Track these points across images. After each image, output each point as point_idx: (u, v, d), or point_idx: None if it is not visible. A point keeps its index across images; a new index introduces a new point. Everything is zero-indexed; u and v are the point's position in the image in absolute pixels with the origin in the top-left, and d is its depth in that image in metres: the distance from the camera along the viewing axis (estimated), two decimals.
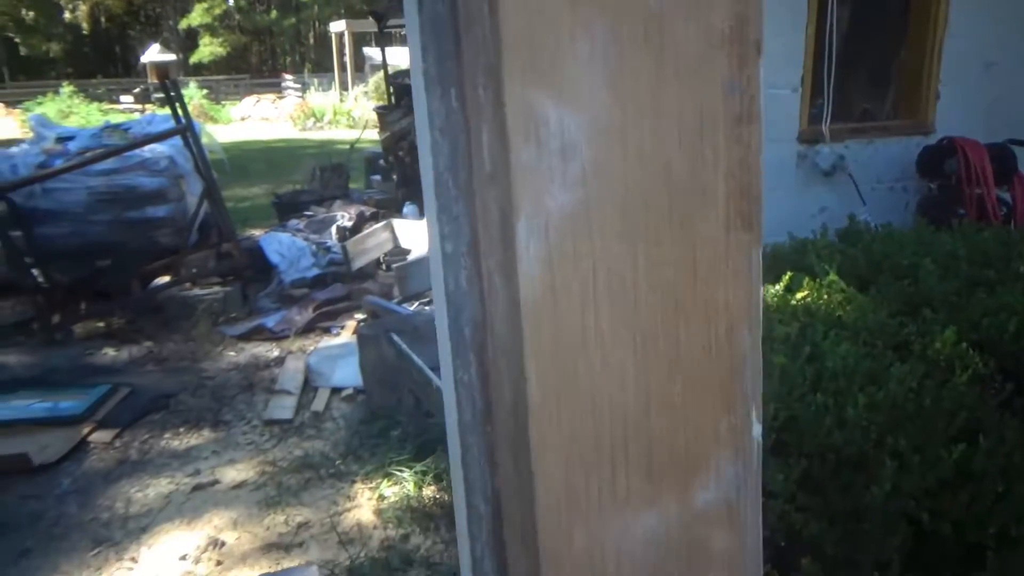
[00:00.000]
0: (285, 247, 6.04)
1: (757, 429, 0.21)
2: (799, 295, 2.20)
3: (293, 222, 6.93)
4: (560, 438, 0.19)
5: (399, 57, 12.15)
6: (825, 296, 2.19)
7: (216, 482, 3.29)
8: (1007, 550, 1.66)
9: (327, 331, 5.02)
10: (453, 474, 0.23)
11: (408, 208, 6.83)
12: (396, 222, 6.27)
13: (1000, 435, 1.67)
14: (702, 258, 0.19)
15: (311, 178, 8.16)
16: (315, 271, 5.81)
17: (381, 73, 18.20)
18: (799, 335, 1.93)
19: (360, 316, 5.07)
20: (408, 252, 6.03)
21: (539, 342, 0.18)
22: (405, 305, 5.13)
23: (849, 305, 2.13)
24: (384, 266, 5.99)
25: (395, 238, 6.16)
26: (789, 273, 2.32)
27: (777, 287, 2.25)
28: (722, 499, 0.21)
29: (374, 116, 12.84)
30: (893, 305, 2.14)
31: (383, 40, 8.32)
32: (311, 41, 35.67)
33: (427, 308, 5.03)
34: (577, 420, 0.19)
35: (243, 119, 20.28)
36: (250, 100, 21.47)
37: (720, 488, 0.21)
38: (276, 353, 4.72)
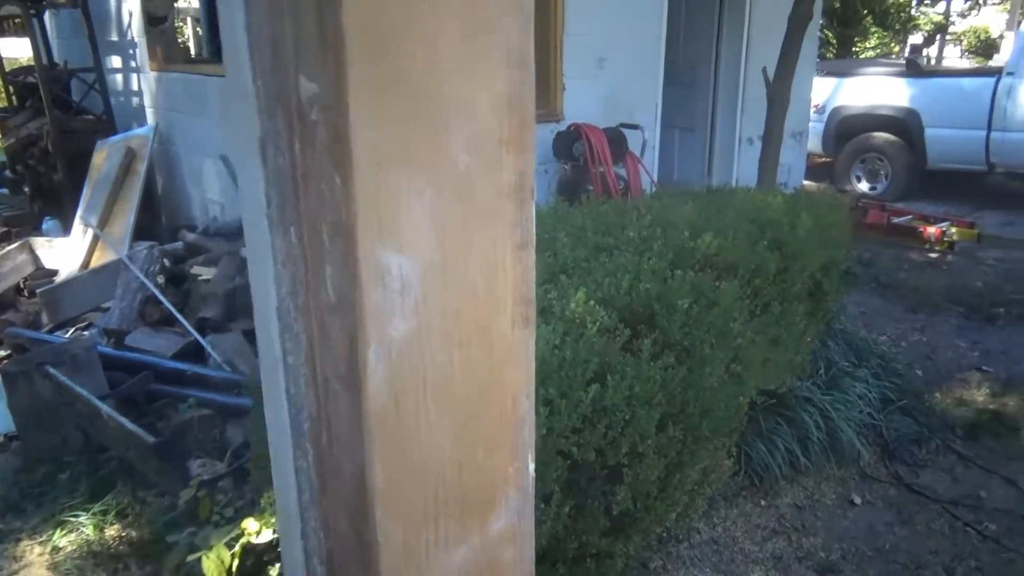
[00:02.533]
0: None
1: (531, 467, 0.27)
2: None
3: None
4: (398, 510, 0.23)
5: (13, 49, 10.45)
6: None
7: None
8: (637, 464, 2.04)
9: None
10: (285, 544, 0.24)
11: (48, 224, 6.03)
12: (35, 241, 5.51)
13: (623, 373, 2.03)
14: (497, 351, 0.23)
15: None
16: None
17: None
18: None
19: (2, 353, 4.41)
20: (55, 273, 5.34)
21: (383, 439, 0.21)
22: (58, 333, 4.57)
23: None
24: (27, 292, 5.25)
25: (36, 259, 5.42)
26: None
27: None
28: (510, 523, 0.26)
29: None
30: (538, 275, 2.46)
31: None
32: None
33: (84, 334, 4.53)
34: (411, 493, 0.23)
35: None
36: None
37: (509, 515, 0.26)
38: None
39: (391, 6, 0.19)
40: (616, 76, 5.47)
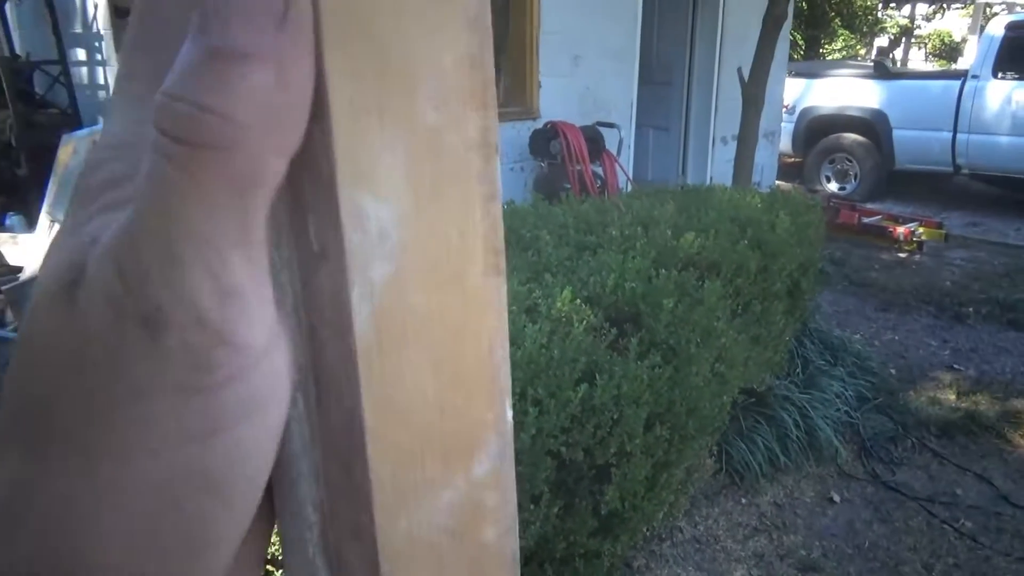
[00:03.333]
0: None
1: (510, 413, 0.29)
2: None
3: None
4: (387, 449, 0.25)
5: None
6: None
7: None
8: (625, 463, 2.03)
9: None
10: (277, 494, 0.27)
11: (11, 219, 5.87)
12: None
13: (611, 372, 2.02)
14: (471, 298, 0.25)
15: None
16: None
17: None
18: None
19: None
20: (19, 270, 5.20)
21: (370, 380, 0.24)
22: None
23: None
24: None
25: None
26: None
27: None
28: (492, 468, 0.28)
29: None
30: (523, 274, 2.44)
31: None
32: None
33: None
34: (397, 433, 0.25)
35: None
36: None
37: (491, 460, 0.28)
38: None
39: None
40: (591, 75, 5.47)
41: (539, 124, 5.09)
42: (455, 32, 0.25)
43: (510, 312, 2.29)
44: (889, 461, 3.29)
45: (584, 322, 2.14)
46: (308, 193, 0.23)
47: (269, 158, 0.21)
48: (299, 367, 0.25)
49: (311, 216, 0.23)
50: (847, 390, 3.57)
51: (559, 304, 2.17)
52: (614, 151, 5.17)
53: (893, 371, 4.09)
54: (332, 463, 0.26)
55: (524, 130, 5.08)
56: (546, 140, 4.84)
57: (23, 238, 5.50)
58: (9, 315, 4.65)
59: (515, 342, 1.97)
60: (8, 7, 6.78)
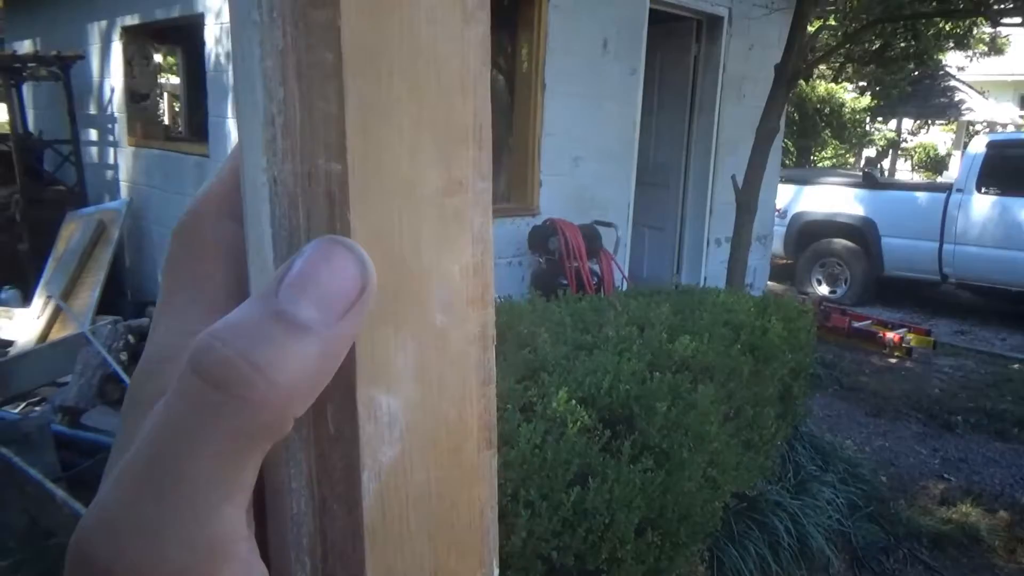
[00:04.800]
0: None
1: (496, 572, 0.33)
2: None
3: None
4: None
5: None
6: None
7: None
8: (615, 569, 2.01)
9: None
10: None
11: (7, 293, 5.90)
12: None
13: (604, 475, 2.02)
14: (466, 471, 0.28)
15: None
16: None
17: None
18: None
19: None
20: (9, 345, 5.19)
21: (374, 550, 0.26)
22: (7, 409, 4.40)
23: None
24: None
25: None
26: None
27: None
28: None
29: None
30: (519, 372, 2.46)
31: None
32: None
33: (36, 410, 4.37)
34: None
35: None
36: None
37: None
38: None
39: (386, 209, 0.25)
40: (590, 175, 5.64)
41: (539, 221, 5.22)
42: (463, 246, 0.28)
43: (505, 410, 2.31)
44: (881, 573, 3.24)
45: (578, 423, 2.16)
46: (330, 387, 0.25)
47: (290, 417, 0.22)
48: (308, 533, 0.27)
49: (330, 404, 0.26)
50: (838, 497, 3.55)
51: (555, 404, 2.19)
52: (611, 249, 5.28)
53: (884, 479, 4.07)
54: None
55: (523, 226, 5.19)
56: (545, 237, 4.95)
57: (17, 312, 5.52)
58: None
59: (509, 441, 1.97)
60: (25, 87, 7.01)
